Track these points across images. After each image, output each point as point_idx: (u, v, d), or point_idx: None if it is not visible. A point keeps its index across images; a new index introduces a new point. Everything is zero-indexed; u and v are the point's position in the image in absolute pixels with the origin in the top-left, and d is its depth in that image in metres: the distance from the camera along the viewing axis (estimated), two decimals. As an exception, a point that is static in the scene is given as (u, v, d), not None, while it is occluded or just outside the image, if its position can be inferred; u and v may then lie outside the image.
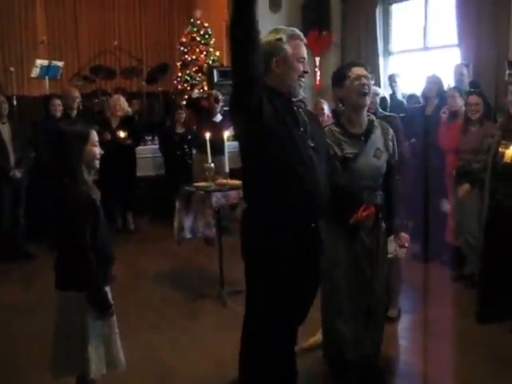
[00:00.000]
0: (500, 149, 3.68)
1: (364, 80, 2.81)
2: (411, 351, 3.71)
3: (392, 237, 3.05)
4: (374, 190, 2.90)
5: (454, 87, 5.20)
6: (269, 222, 2.34)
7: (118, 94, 7.52)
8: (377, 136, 2.91)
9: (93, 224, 2.50)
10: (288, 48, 2.33)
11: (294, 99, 2.41)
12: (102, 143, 2.70)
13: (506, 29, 6.35)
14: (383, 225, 3.00)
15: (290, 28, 2.41)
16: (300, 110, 2.43)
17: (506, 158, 3.60)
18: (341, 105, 3.01)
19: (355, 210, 2.82)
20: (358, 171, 2.83)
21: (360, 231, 2.90)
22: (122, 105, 6.88)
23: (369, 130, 2.90)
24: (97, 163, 2.64)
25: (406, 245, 3.07)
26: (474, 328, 3.87)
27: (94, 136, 2.62)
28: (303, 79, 2.39)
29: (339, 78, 2.89)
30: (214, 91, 7.22)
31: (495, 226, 3.83)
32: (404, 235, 3.05)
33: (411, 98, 6.82)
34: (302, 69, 2.36)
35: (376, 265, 2.98)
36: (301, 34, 2.41)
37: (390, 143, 2.96)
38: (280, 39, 2.33)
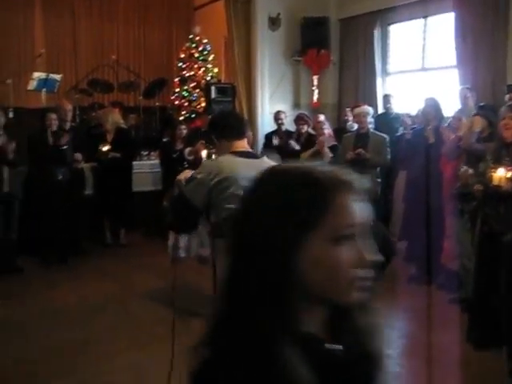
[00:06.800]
0: (490, 172, 3.75)
1: None
2: (406, 376, 3.62)
3: None
4: None
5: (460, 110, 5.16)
6: None
7: (109, 107, 7.48)
8: None
9: None
10: None
11: None
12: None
13: (503, 52, 6.37)
14: None
15: None
16: None
17: (494, 181, 3.68)
18: None
19: None
20: None
21: None
22: (111, 118, 6.86)
23: None
24: None
25: None
26: (471, 353, 3.80)
27: None
28: None
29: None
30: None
31: (487, 249, 3.84)
32: None
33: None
34: None
35: None
36: None
37: None
38: None
